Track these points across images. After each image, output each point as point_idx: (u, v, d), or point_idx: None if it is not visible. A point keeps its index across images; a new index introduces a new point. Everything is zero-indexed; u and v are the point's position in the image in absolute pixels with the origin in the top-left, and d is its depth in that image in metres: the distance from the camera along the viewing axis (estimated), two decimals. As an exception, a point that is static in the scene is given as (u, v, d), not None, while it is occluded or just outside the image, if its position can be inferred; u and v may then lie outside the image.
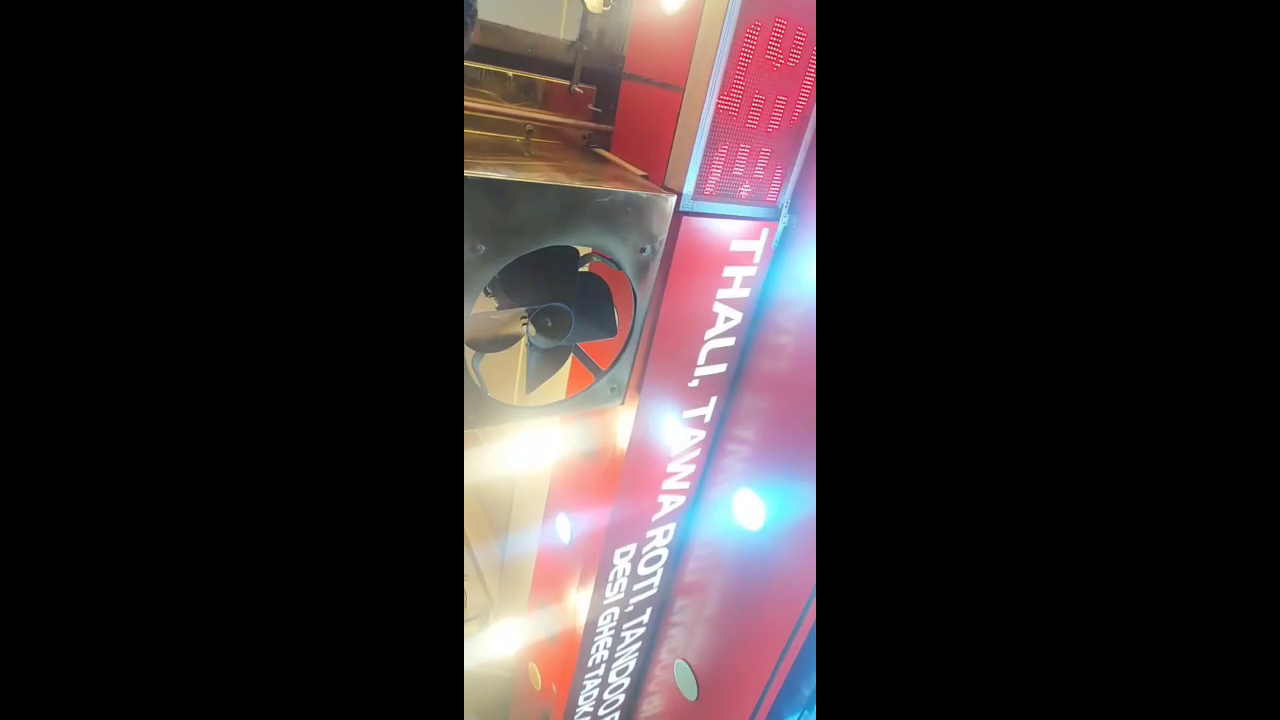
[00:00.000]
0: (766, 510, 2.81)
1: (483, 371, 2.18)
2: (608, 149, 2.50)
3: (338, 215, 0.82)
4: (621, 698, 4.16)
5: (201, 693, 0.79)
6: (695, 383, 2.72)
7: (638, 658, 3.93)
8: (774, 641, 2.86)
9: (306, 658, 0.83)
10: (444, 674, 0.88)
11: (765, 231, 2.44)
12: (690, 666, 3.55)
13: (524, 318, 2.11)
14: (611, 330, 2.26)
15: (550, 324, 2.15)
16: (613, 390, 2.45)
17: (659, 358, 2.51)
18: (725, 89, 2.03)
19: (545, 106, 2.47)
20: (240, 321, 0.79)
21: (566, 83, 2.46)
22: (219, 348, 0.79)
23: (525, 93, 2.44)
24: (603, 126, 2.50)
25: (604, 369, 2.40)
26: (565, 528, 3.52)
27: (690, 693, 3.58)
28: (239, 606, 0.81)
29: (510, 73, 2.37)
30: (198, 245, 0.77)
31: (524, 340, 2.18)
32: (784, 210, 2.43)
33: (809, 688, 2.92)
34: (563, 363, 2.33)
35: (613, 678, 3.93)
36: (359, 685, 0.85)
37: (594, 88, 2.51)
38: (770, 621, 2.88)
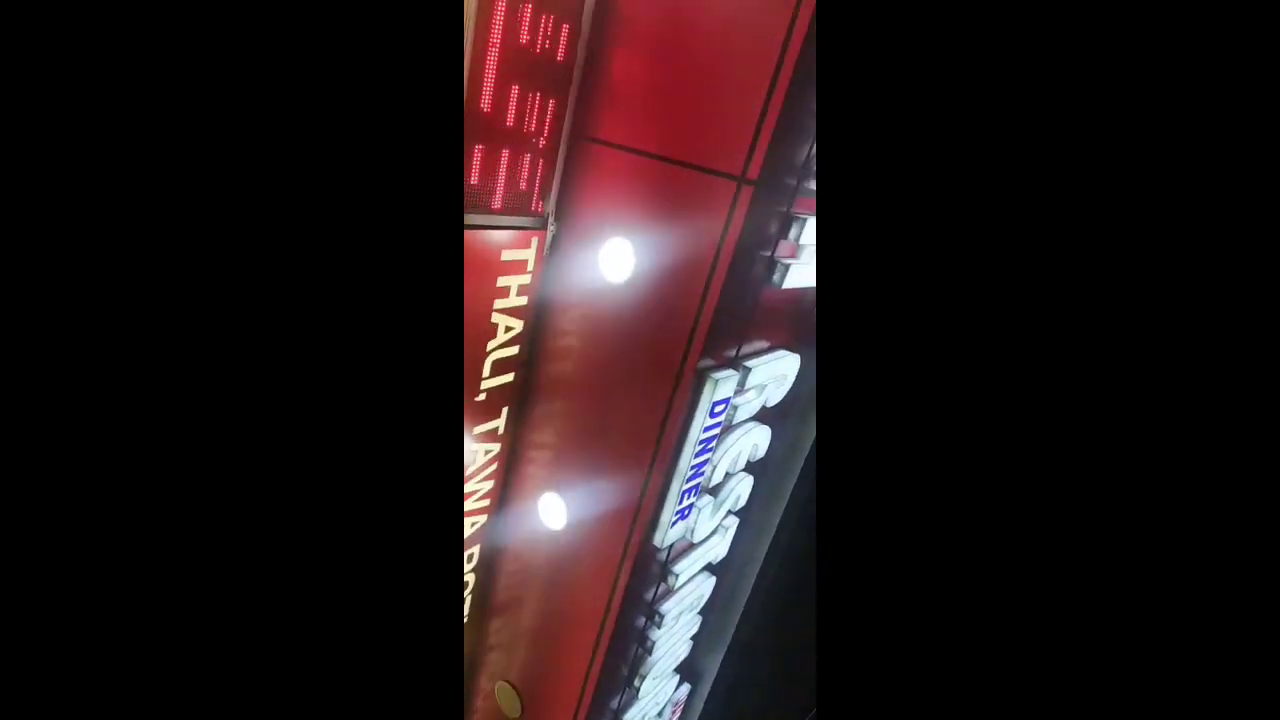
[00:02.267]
0: (568, 510, 2.88)
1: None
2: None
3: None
4: (443, 741, 3.87)
5: (196, 650, 0.82)
6: (483, 396, 2.65)
7: (456, 693, 3.70)
8: (587, 632, 2.94)
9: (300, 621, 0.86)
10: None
11: (535, 240, 2.48)
12: (512, 685, 3.46)
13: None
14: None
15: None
16: (391, 415, 2.25)
17: (440, 374, 2.38)
18: (474, 83, 1.99)
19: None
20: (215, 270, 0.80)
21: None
22: (212, 316, 0.79)
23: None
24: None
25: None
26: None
27: (514, 710, 3.50)
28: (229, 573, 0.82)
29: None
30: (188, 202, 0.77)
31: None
32: (550, 219, 2.50)
33: (627, 667, 3.08)
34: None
35: (430, 723, 3.63)
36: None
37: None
38: (582, 613, 2.95)
